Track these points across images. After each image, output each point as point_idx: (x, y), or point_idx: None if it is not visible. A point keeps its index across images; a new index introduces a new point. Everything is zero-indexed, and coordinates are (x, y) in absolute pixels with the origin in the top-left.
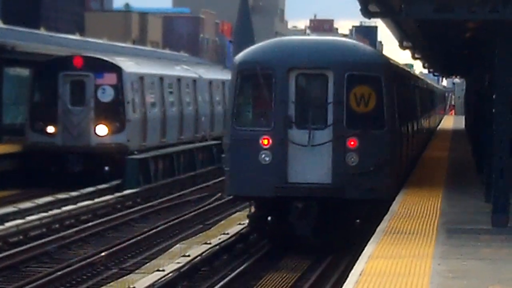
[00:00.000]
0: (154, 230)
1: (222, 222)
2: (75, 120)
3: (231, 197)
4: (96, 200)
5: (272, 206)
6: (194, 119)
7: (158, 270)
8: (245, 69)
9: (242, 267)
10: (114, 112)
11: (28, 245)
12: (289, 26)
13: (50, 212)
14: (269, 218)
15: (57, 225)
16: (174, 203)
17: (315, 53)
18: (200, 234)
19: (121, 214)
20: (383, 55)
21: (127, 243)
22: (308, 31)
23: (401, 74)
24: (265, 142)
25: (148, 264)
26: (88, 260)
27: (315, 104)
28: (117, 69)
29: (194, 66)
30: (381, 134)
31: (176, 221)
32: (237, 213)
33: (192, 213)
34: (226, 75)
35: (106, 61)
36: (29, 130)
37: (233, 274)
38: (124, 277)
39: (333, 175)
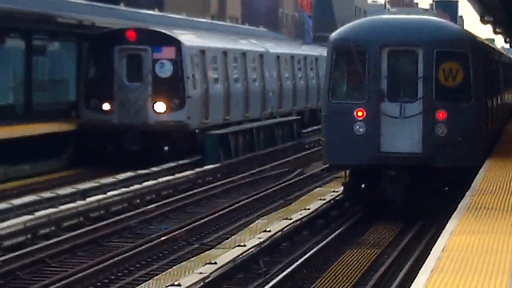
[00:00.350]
0: (234, 206)
1: (303, 197)
2: (131, 96)
3: (326, 165)
4: (177, 175)
5: (365, 175)
6: (260, 95)
7: (239, 246)
8: (340, 46)
9: (323, 243)
10: (173, 88)
11: (110, 220)
12: (369, 0)
13: (131, 188)
14: (362, 185)
15: (138, 200)
16: (255, 178)
17: (406, 31)
18: (281, 209)
19: (201, 189)
20: (469, 32)
21: (208, 218)
22: (387, 6)
23: (486, 49)
24: (359, 114)
25: (229, 239)
26: (169, 235)
27: (406, 79)
28: (176, 43)
29: (269, 40)
30: (468, 106)
31: (257, 196)
32: (318, 189)
33: (273, 189)
34: (303, 50)
35: (164, 34)
36: (83, 108)
37: (314, 250)
38: (205, 252)
39: (423, 145)
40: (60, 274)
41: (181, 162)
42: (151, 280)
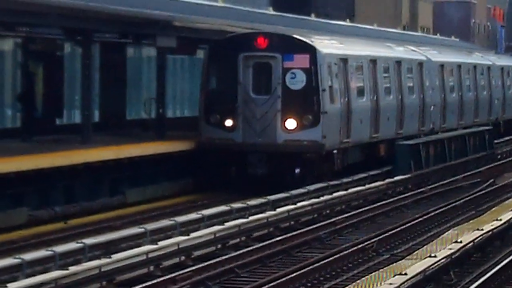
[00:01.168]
0: (425, 216)
1: (495, 208)
2: (258, 112)
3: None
4: (367, 186)
5: None
6: (419, 109)
7: (429, 256)
8: None
9: None
10: (306, 102)
11: (300, 231)
12: None
13: (321, 198)
14: None
15: (328, 211)
16: (446, 189)
17: None
18: (472, 220)
19: (392, 200)
20: None
21: (398, 229)
22: None
23: None
24: None
25: (419, 250)
26: (359, 246)
27: None
28: (310, 50)
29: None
30: None
31: (448, 207)
32: (510, 200)
33: (464, 199)
34: (492, 61)
35: (297, 39)
36: (203, 123)
37: (506, 261)
38: (396, 263)
39: None
40: (250, 284)
41: (371, 172)
42: None
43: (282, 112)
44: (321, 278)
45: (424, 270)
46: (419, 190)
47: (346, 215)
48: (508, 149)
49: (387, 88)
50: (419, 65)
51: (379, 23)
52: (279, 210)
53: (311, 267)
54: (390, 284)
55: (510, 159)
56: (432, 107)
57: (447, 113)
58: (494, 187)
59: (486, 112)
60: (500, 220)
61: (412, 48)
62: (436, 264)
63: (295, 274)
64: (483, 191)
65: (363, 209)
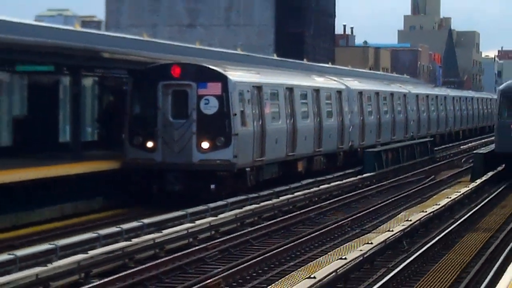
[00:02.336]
0: (385, 202)
1: (435, 196)
2: (176, 134)
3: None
4: (345, 180)
5: None
6: (338, 130)
7: (388, 231)
8: (505, 93)
9: (449, 229)
10: (218, 125)
11: (296, 213)
12: (483, 55)
13: (311, 190)
14: None
15: (316, 199)
16: (400, 183)
17: None
18: (419, 205)
19: (361, 190)
20: None
21: (366, 211)
22: (496, 59)
23: None
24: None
25: (381, 226)
26: (338, 223)
27: None
28: (222, 78)
29: (408, 84)
30: None
31: (401, 195)
32: (445, 190)
33: (413, 190)
34: (433, 91)
35: (210, 69)
36: (127, 145)
37: (442, 234)
38: (364, 235)
39: None
40: (260, 251)
41: (347, 171)
42: (326, 255)
43: (197, 135)
44: (311, 246)
45: (385, 240)
46: (380, 184)
47: (329, 201)
48: (443, 155)
49: (305, 112)
50: (337, 93)
51: (351, 65)
52: (281, 198)
53: (304, 238)
54: (361, 250)
55: (445, 161)
56: (351, 128)
57: (366, 132)
58: (434, 182)
59: (402, 130)
60: (439, 204)
61: (335, 78)
62: (393, 236)
63: (292, 244)
64: (427, 184)
65: (341, 197)
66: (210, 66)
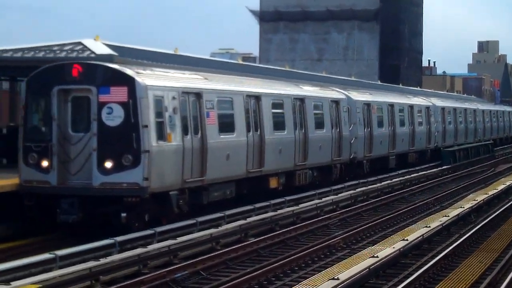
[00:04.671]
0: (458, 187)
1: (494, 183)
2: (73, 151)
3: None
4: (429, 171)
5: None
6: (332, 142)
7: (460, 207)
8: None
9: (505, 206)
10: (124, 140)
11: (393, 193)
12: None
13: (405, 177)
14: None
15: (408, 183)
16: (469, 173)
17: None
18: (483, 189)
19: (441, 178)
20: None
21: (444, 193)
22: None
23: None
24: None
25: (455, 204)
26: (424, 201)
27: None
28: (128, 81)
29: (463, 101)
30: None
31: (470, 182)
32: (502, 179)
33: (478, 178)
34: (494, 107)
35: (113, 69)
36: (22, 164)
37: (500, 210)
38: (443, 211)
39: None
40: (368, 221)
41: (431, 164)
42: (415, 224)
43: (98, 151)
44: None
45: (458, 214)
46: (454, 173)
47: (416, 186)
48: (501, 153)
49: (279, 123)
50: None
51: (434, 89)
52: (324, 199)
53: (375, 221)
54: (440, 221)
55: (502, 158)
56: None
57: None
58: (494, 173)
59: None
60: (497, 189)
61: (337, 89)
62: (464, 211)
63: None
64: (488, 174)
65: (426, 183)
66: (114, 66)
